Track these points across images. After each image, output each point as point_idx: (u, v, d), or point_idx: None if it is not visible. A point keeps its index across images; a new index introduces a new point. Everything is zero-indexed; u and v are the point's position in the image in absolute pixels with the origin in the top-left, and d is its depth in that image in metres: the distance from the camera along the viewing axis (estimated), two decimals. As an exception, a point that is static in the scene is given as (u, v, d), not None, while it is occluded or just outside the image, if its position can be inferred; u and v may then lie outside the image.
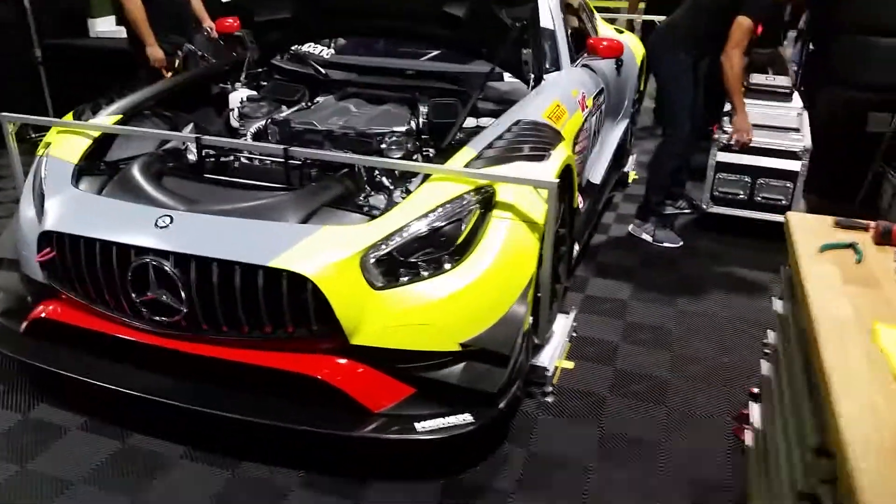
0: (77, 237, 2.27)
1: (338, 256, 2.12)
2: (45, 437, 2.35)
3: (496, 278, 2.23)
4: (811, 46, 5.57)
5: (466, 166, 2.39)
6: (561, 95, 3.15)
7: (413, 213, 2.24)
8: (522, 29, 3.01)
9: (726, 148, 3.95)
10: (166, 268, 2.15)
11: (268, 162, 2.77)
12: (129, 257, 2.19)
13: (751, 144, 3.80)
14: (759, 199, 4.00)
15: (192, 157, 2.79)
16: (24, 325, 2.50)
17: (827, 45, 4.93)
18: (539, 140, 2.58)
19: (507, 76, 3.44)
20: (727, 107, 4.01)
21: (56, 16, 5.64)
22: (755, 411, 1.92)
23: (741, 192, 4.02)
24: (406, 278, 2.20)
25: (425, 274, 2.21)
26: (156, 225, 2.20)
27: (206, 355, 2.24)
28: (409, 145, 2.95)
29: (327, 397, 2.17)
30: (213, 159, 2.76)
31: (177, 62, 4.27)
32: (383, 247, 2.18)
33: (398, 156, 2.89)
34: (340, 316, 2.10)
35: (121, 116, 2.88)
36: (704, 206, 4.10)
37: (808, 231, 1.56)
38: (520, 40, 3.05)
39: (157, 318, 2.23)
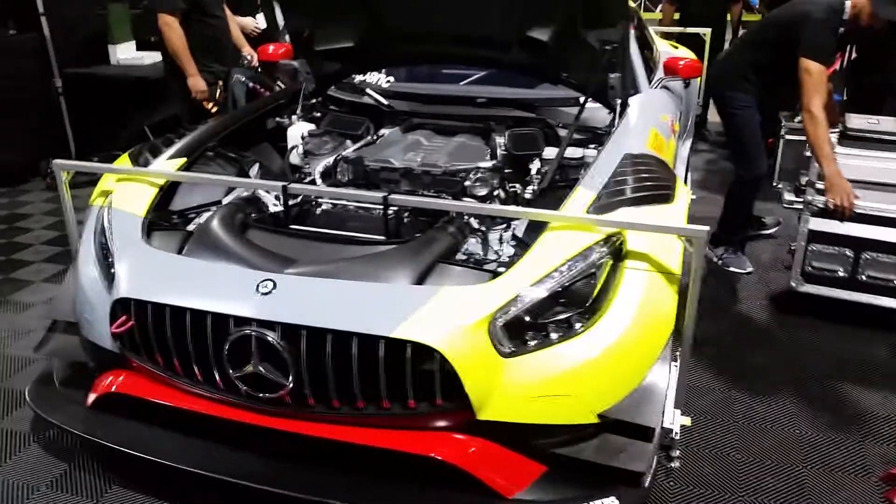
0: (162, 305, 2.01)
1: (465, 322, 1.87)
2: (125, 529, 2.10)
3: (634, 339, 1.98)
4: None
5: (588, 211, 2.16)
6: (655, 122, 2.92)
7: (540, 269, 1.99)
8: (613, 52, 2.78)
9: (822, 213, 3.16)
10: (270, 339, 1.90)
11: (351, 207, 2.53)
12: (226, 328, 1.93)
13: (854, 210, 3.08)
14: (863, 277, 3.18)
15: (271, 205, 2.54)
16: (92, 398, 2.25)
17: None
18: (657, 177, 2.34)
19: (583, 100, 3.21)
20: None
21: (76, 43, 5.38)
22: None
23: (840, 269, 3.22)
24: (534, 343, 1.96)
25: (554, 337, 1.97)
26: (257, 291, 1.95)
27: (309, 434, 1.99)
28: (494, 181, 2.72)
29: (448, 480, 1.92)
30: (294, 207, 2.50)
31: (217, 92, 4.02)
32: (511, 309, 1.93)
33: (483, 193, 2.66)
34: (469, 389, 1.85)
35: (184, 160, 2.63)
36: (794, 285, 3.31)
37: None
38: (608, 64, 2.82)
39: (256, 393, 1.97)
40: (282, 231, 2.31)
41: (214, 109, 4.05)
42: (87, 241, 2.42)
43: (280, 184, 2.32)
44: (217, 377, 2.00)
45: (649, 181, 2.28)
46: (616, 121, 2.89)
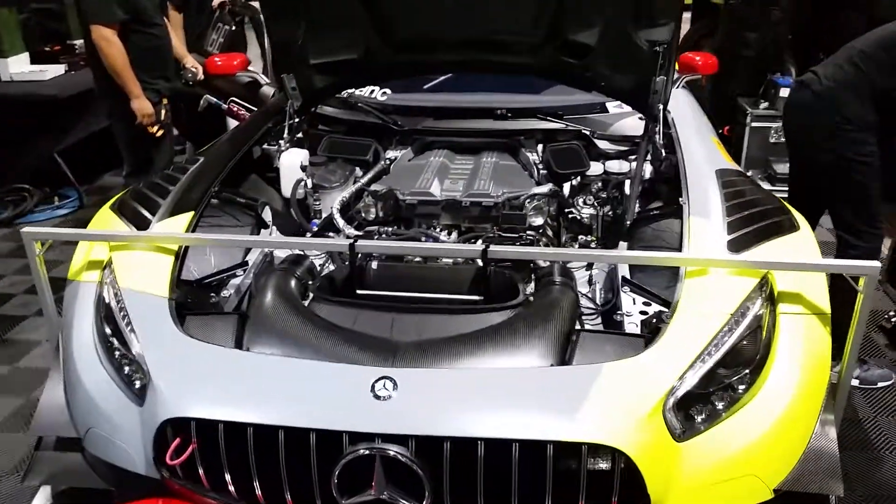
0: (242, 424, 1.54)
1: (642, 410, 1.53)
2: None
3: (801, 397, 1.71)
4: None
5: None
6: (708, 128, 2.68)
7: (702, 331, 1.67)
8: (663, 54, 2.49)
9: None
10: (396, 454, 1.48)
11: (412, 259, 2.11)
12: (337, 446, 1.50)
13: None
14: None
15: (319, 263, 2.09)
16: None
17: None
18: (767, 199, 2.09)
19: (610, 106, 2.92)
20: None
21: (-41, 60, 4.53)
22: None
23: None
24: (701, 417, 1.65)
25: (720, 406, 1.67)
26: (373, 394, 1.52)
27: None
28: (550, 209, 2.40)
29: None
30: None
31: (163, 112, 3.43)
32: (681, 385, 1.61)
33: (539, 223, 2.34)
34: (652, 487, 1.53)
35: (192, 214, 2.12)
36: None
37: None
38: (658, 67, 2.52)
39: (376, 523, 1.55)
40: (356, 303, 1.86)
41: (160, 133, 3.46)
42: (82, 335, 1.88)
43: (346, 242, 1.86)
44: (319, 505, 1.57)
45: (765, 206, 2.03)
46: (662, 129, 2.60)
